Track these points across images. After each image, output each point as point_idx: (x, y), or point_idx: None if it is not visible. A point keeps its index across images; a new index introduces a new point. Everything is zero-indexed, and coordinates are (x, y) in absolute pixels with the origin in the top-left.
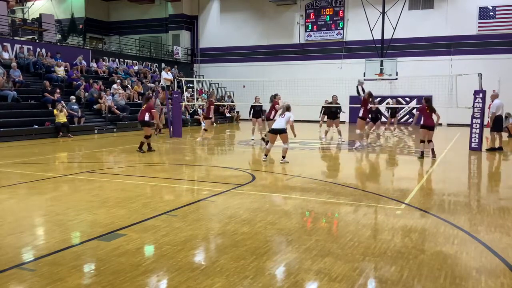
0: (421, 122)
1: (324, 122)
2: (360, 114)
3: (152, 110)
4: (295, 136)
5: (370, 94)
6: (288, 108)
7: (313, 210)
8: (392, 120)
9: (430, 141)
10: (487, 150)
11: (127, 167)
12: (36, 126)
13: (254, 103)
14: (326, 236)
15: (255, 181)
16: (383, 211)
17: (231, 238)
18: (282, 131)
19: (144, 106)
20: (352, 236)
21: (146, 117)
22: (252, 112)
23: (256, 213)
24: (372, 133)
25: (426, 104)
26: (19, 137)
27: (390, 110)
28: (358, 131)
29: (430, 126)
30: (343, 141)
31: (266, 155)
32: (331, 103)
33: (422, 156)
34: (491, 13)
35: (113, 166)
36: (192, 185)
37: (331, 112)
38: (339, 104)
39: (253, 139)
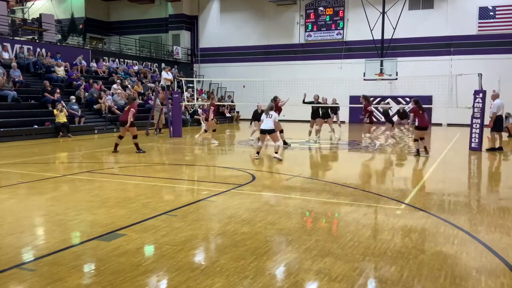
0: (416, 124)
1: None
2: (368, 121)
3: (131, 109)
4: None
5: (365, 97)
6: (272, 108)
7: (313, 210)
8: (402, 121)
9: (422, 138)
10: (487, 150)
11: (127, 167)
12: (36, 126)
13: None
14: (326, 236)
15: (255, 181)
16: (383, 211)
17: (231, 238)
18: (271, 131)
19: (127, 107)
20: (352, 236)
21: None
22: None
23: (256, 213)
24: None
25: (416, 106)
26: (19, 137)
27: (398, 113)
28: (368, 135)
29: (425, 127)
30: (338, 138)
31: (258, 152)
32: (312, 102)
33: (418, 153)
34: (491, 13)
35: (113, 166)
36: (192, 185)
37: (323, 112)
38: (327, 104)
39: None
